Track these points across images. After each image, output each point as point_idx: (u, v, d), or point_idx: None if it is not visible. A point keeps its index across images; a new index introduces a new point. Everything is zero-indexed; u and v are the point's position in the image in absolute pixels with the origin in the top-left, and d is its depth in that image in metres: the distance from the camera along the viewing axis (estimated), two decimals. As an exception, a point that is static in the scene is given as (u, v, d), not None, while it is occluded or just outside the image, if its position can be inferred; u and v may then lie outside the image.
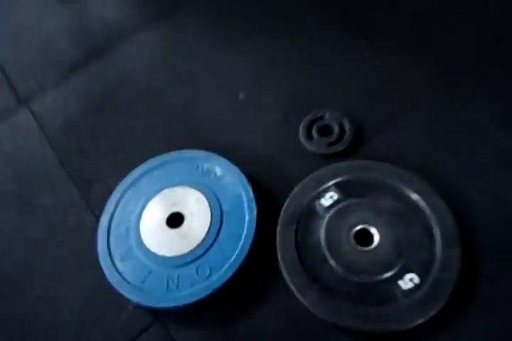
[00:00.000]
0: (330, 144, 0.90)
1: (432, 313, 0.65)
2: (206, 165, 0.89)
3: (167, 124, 1.02)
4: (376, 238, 0.74)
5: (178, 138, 0.99)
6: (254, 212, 0.79)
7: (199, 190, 0.85)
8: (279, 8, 1.17)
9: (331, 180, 0.80)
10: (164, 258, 0.79)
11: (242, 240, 0.77)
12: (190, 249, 0.78)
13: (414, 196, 0.75)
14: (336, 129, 0.92)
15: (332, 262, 0.73)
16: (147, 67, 1.16)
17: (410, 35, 1.04)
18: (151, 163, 0.92)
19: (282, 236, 0.76)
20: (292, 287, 0.71)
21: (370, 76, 0.99)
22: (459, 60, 0.96)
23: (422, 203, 0.74)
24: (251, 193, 0.81)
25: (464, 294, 0.68)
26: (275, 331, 0.73)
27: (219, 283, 0.74)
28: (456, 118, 0.88)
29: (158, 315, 0.77)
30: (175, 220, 0.84)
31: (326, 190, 0.79)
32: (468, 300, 0.68)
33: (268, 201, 0.83)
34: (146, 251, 0.81)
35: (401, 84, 0.96)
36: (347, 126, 0.92)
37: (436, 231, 0.71)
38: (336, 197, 0.78)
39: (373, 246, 0.73)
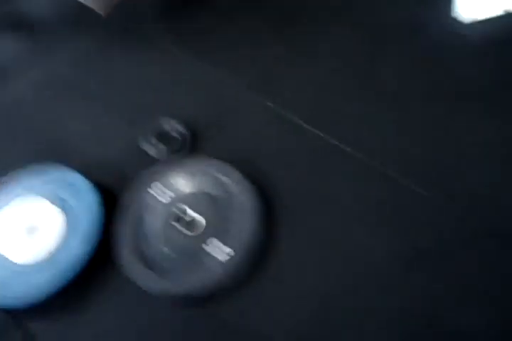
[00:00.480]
0: (173, 152, 1.05)
1: (243, 279, 0.81)
2: (55, 174, 0.99)
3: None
4: (201, 222, 0.89)
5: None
6: (100, 214, 0.91)
7: (49, 199, 0.95)
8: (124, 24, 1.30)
9: (161, 176, 0.94)
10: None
11: (91, 239, 0.88)
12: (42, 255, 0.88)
13: (228, 182, 0.91)
14: (178, 138, 1.07)
15: (165, 249, 0.87)
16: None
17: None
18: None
19: (117, 229, 0.88)
20: (129, 275, 0.84)
21: (204, 88, 1.15)
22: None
23: (234, 189, 0.91)
24: (97, 197, 0.93)
25: (270, 261, 0.85)
26: (119, 318, 0.85)
27: (67, 279, 0.84)
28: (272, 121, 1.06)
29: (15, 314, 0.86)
30: (28, 230, 0.93)
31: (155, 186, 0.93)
32: (274, 267, 0.84)
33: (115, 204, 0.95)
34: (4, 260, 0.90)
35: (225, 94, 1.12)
36: (187, 134, 1.07)
37: (247, 208, 0.86)
38: (165, 190, 0.92)
39: (198, 231, 0.88)
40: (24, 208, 0.96)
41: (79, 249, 0.88)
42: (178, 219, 0.89)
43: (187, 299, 0.83)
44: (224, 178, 0.91)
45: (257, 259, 0.84)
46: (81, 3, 1.28)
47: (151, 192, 0.93)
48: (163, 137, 1.07)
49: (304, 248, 0.86)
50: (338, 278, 0.82)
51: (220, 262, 0.83)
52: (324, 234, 0.87)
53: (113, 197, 0.96)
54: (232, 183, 0.91)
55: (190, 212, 0.90)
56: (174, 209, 0.90)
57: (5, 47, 1.39)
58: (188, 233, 0.88)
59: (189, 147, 1.05)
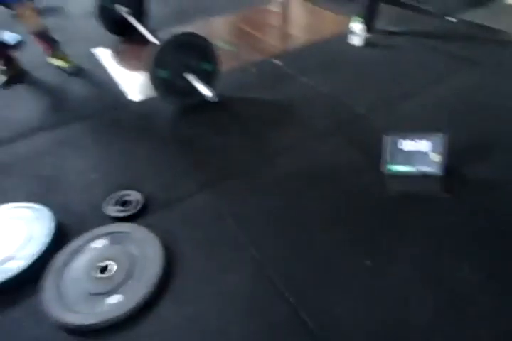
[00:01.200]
0: (122, 211, 1.36)
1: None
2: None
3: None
4: (113, 267, 1.15)
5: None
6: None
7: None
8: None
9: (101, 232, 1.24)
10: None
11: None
12: None
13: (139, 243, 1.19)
14: (131, 202, 1.40)
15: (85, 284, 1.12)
16: None
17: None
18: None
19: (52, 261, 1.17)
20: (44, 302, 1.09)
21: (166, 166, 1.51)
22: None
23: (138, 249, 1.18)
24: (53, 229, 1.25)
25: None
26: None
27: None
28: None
29: None
30: None
31: (97, 238, 1.23)
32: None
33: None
34: None
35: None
36: (139, 202, 1.40)
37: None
38: (102, 243, 1.22)
39: (110, 273, 1.14)
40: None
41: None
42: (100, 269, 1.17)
43: (82, 329, 1.04)
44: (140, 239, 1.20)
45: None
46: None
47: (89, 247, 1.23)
48: (123, 202, 1.41)
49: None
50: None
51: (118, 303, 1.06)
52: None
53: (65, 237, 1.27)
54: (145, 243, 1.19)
55: (109, 263, 1.17)
56: (98, 264, 1.19)
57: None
58: (101, 275, 1.14)
59: (136, 211, 1.37)
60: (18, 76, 2.39)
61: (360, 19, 2.36)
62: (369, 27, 2.44)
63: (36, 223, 1.34)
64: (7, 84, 2.35)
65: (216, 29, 2.94)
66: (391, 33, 2.55)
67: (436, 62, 2.21)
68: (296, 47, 2.56)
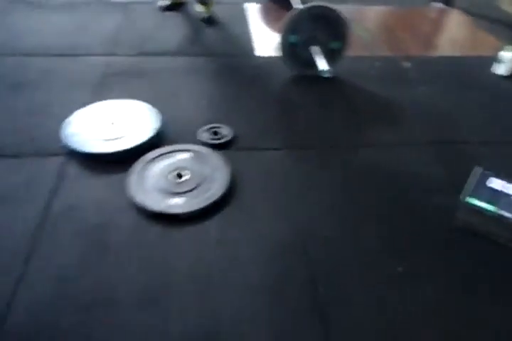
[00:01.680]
0: (212, 139, 1.59)
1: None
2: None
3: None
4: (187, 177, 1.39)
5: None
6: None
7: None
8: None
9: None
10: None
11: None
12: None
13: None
14: (221, 134, 1.62)
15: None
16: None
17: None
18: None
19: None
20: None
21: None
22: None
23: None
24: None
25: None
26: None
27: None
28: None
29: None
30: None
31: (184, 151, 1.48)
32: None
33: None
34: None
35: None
36: (228, 136, 1.61)
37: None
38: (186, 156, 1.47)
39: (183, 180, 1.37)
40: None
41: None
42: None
43: (147, 212, 1.30)
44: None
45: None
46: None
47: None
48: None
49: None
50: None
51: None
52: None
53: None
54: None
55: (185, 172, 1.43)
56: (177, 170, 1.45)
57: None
58: (176, 180, 1.38)
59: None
60: (178, 4, 2.79)
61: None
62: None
63: (148, 119, 1.66)
64: (167, 9, 2.75)
65: (364, 16, 2.99)
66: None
67: None
68: (434, 56, 2.54)
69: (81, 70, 2.09)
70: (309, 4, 1.94)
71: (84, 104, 1.75)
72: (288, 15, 1.94)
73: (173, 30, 2.55)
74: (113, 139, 1.55)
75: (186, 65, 2.21)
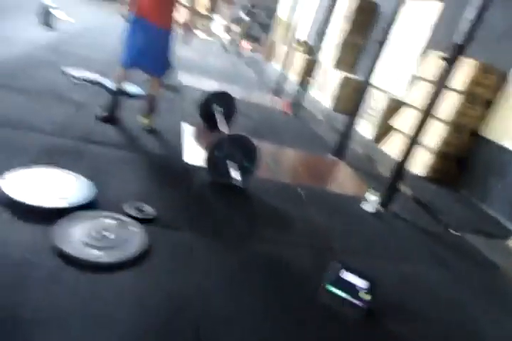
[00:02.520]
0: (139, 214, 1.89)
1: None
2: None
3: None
4: (109, 237, 1.63)
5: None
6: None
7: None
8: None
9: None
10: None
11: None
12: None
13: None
14: (144, 211, 1.93)
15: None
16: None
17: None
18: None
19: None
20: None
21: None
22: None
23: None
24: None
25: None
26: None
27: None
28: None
29: None
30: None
31: (112, 217, 1.74)
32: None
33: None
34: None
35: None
36: (151, 214, 1.93)
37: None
38: (112, 221, 1.73)
39: (105, 239, 1.62)
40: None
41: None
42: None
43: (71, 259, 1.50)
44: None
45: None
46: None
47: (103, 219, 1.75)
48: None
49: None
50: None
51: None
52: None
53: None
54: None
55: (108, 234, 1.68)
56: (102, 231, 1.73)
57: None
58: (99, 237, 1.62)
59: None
60: (113, 119, 3.15)
61: (375, 193, 3.05)
62: (385, 205, 3.10)
63: (82, 188, 1.99)
64: (103, 120, 3.09)
65: (275, 152, 3.80)
66: (397, 217, 3.18)
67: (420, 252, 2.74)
68: (321, 189, 3.30)
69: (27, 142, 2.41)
70: (232, 133, 2.61)
71: (24, 167, 2.01)
72: (215, 136, 2.55)
73: (115, 129, 3.05)
74: (48, 198, 1.81)
75: (123, 156, 2.66)
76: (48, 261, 1.52)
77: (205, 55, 8.70)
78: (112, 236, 1.70)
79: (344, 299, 1.84)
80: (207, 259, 1.87)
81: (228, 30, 12.00)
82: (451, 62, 2.79)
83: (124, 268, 1.60)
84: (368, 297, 1.82)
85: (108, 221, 1.81)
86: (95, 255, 1.58)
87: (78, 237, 1.63)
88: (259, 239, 2.18)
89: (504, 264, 2.81)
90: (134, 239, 1.73)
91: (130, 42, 3.00)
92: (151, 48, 2.99)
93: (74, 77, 3.95)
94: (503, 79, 4.04)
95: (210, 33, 11.80)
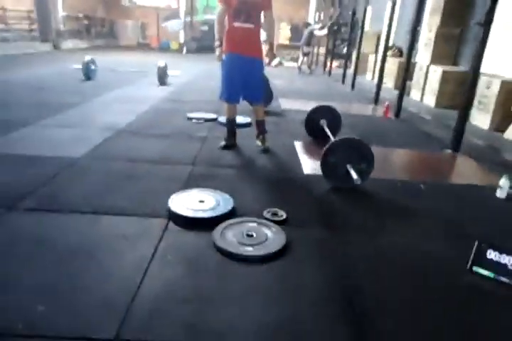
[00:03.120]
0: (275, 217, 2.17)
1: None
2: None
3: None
4: (254, 236, 1.92)
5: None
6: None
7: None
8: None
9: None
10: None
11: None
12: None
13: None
14: (278, 214, 2.20)
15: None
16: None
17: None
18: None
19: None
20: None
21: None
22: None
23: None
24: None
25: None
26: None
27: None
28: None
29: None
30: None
31: (255, 221, 2.04)
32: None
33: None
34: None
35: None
36: (283, 216, 2.19)
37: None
38: (255, 224, 2.02)
39: (252, 238, 1.90)
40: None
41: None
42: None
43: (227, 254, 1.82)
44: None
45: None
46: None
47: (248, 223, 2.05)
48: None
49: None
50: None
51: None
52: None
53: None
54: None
55: (254, 234, 1.96)
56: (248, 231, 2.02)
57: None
58: (247, 237, 1.92)
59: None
60: (232, 145, 3.59)
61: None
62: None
63: (224, 200, 2.34)
64: (224, 148, 3.53)
65: (386, 154, 3.84)
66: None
67: None
68: (444, 183, 3.23)
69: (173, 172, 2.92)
70: (342, 138, 2.78)
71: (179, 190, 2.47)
72: (328, 145, 2.75)
73: (236, 154, 3.47)
74: (203, 210, 2.21)
75: (248, 174, 3.02)
76: (211, 257, 1.86)
77: (293, 81, 9.13)
78: (257, 236, 1.99)
79: (495, 279, 1.81)
80: (341, 250, 2.02)
81: (313, 53, 12.41)
82: None
83: (271, 260, 1.85)
84: (517, 273, 1.77)
85: (251, 224, 2.10)
86: (247, 250, 1.87)
87: (231, 238, 1.96)
88: (391, 232, 2.26)
89: None
90: (275, 237, 2.00)
91: (227, 78, 3.38)
92: (246, 79, 3.34)
93: (195, 118, 4.61)
94: None
95: (294, 60, 12.31)
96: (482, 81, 4.76)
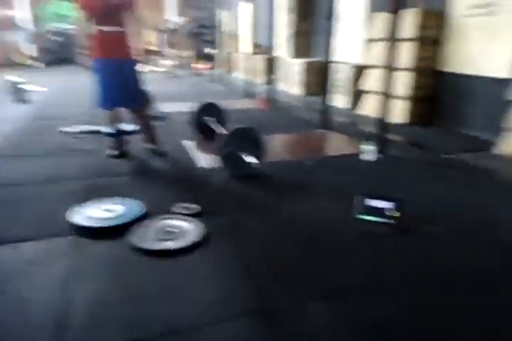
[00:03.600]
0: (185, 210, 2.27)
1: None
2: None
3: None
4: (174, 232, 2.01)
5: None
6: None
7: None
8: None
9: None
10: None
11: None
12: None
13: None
14: (189, 208, 2.30)
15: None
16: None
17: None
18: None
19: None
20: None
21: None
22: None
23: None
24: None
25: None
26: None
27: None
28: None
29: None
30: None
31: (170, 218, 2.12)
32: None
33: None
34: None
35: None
36: (195, 209, 2.31)
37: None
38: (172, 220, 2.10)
39: (173, 233, 1.99)
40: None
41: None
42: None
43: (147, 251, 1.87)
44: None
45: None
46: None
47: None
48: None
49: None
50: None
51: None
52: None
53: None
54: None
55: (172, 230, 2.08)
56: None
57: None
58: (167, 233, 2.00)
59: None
60: (124, 153, 3.53)
61: (371, 144, 3.45)
62: (382, 152, 3.51)
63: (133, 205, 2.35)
64: (116, 157, 3.47)
65: (270, 140, 4.19)
66: (396, 158, 3.58)
67: (421, 175, 3.13)
68: (324, 155, 3.69)
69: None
70: (233, 128, 2.99)
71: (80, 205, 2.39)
72: (220, 136, 2.93)
73: (130, 162, 3.44)
74: (111, 218, 2.20)
75: (146, 177, 3.06)
76: (130, 258, 1.90)
77: (166, 85, 9.14)
78: (175, 230, 2.08)
79: (375, 221, 2.22)
80: (255, 230, 2.22)
81: (179, 56, 12.51)
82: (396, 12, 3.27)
83: (194, 249, 1.96)
84: (396, 214, 2.20)
85: (167, 221, 2.18)
86: (167, 245, 1.96)
87: (150, 236, 2.01)
88: (290, 202, 2.57)
89: (495, 167, 3.33)
90: (193, 229, 2.10)
91: (101, 85, 3.29)
92: (122, 82, 3.29)
93: (73, 132, 4.35)
94: (441, 17, 4.55)
95: (161, 65, 12.24)
96: (335, 67, 5.48)
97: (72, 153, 3.69)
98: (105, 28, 3.15)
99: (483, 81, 4.20)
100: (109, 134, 3.75)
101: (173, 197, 2.62)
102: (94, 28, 3.17)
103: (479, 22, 4.17)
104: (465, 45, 4.36)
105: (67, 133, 4.36)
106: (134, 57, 3.35)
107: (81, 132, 4.37)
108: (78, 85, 7.79)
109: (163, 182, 2.99)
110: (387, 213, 2.21)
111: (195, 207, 2.38)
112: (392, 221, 2.20)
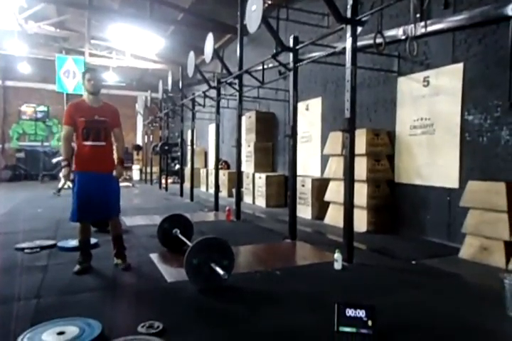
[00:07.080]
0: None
1: None
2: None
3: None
4: None
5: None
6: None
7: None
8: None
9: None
10: None
11: None
12: None
13: None
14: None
15: None
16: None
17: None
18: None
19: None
20: None
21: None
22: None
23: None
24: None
25: None
26: None
27: None
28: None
29: None
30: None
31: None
32: None
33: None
34: None
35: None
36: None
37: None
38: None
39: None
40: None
41: None
42: None
43: None
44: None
45: None
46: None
47: None
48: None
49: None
50: None
51: None
52: None
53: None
54: None
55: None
56: None
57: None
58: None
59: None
60: (88, 268, 3.40)
61: (339, 253, 3.52)
62: (348, 260, 3.57)
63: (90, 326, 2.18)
64: (80, 272, 3.30)
65: (237, 252, 4.18)
66: (362, 265, 3.64)
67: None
68: (293, 266, 3.68)
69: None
70: (199, 239, 3.01)
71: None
72: (190, 248, 2.92)
73: (94, 276, 3.28)
74: None
75: (112, 293, 2.89)
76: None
77: (131, 199, 9.26)
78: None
79: (356, 333, 2.16)
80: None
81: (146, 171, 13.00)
82: (349, 132, 3.69)
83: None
84: (369, 323, 2.16)
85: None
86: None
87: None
88: (263, 317, 2.46)
89: (458, 271, 3.48)
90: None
91: (79, 197, 3.33)
92: (101, 195, 3.36)
93: (27, 248, 4.13)
94: (390, 135, 5.23)
95: (132, 181, 12.62)
96: (298, 180, 5.88)
97: (27, 270, 3.46)
98: (87, 143, 3.34)
99: (435, 190, 4.64)
100: (69, 248, 3.65)
101: (138, 314, 2.47)
102: (78, 142, 3.36)
103: (420, 139, 4.83)
104: (412, 159, 4.95)
105: (22, 248, 4.16)
106: (113, 171, 3.50)
107: (38, 247, 4.19)
108: (39, 200, 7.73)
109: (129, 298, 2.83)
110: (365, 323, 2.17)
111: (159, 326, 2.23)
112: (367, 331, 2.15)
